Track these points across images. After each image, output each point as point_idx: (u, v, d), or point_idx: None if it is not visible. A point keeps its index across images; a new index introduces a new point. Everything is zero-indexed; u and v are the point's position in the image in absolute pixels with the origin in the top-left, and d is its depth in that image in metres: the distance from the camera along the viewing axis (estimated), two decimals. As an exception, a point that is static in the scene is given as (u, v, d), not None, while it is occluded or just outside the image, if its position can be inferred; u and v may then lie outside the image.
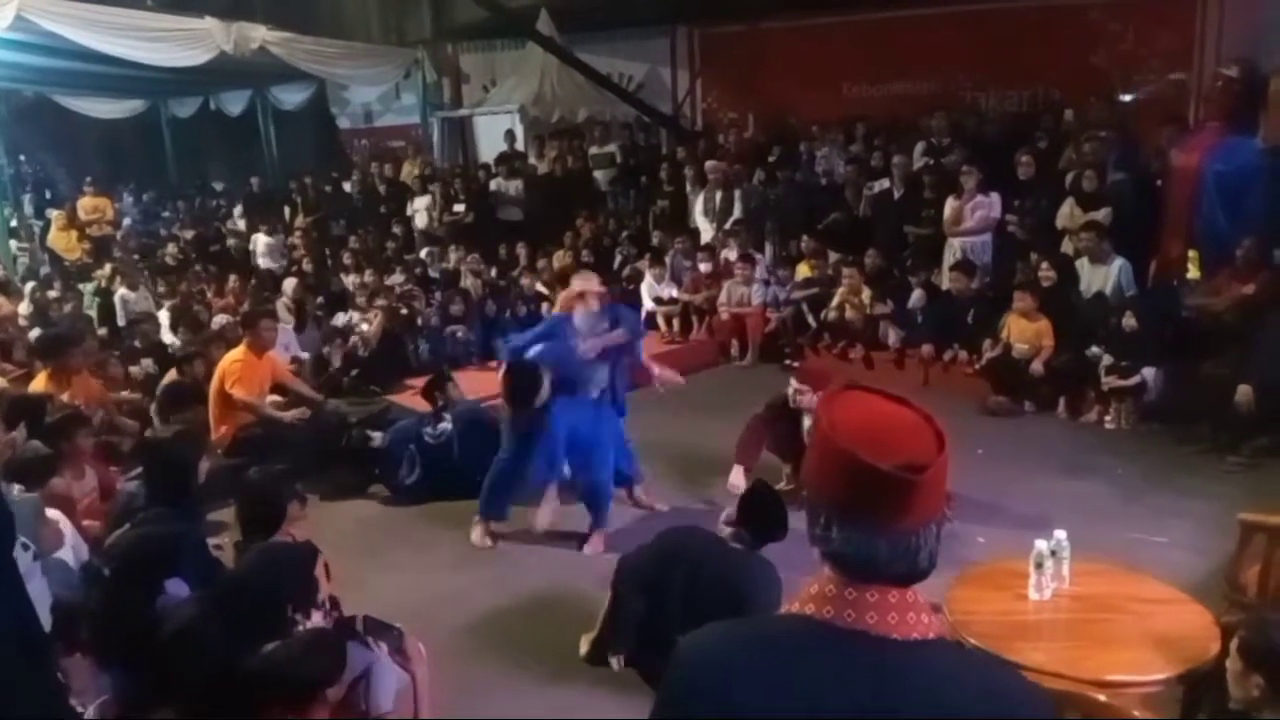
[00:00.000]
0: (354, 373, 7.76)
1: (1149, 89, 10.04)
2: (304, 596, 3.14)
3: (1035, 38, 10.41)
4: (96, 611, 3.45)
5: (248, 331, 6.47)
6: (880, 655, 1.16)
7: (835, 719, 1.14)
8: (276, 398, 6.58)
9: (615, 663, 3.86)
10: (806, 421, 5.09)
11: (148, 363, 7.55)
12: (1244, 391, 5.86)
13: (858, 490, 1.17)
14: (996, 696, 1.18)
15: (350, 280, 10.10)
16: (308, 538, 3.63)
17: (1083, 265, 7.56)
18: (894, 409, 1.25)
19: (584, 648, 4.03)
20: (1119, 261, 7.37)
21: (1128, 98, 10.00)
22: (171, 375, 6.91)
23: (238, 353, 6.30)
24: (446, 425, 5.94)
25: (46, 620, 3.11)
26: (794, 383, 5.28)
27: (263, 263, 11.88)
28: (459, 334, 8.66)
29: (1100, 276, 7.40)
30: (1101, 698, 2.69)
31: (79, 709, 3.13)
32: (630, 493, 5.58)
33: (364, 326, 8.32)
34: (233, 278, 10.18)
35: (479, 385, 7.27)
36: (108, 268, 10.91)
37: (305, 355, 7.90)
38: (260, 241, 12.14)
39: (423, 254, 11.31)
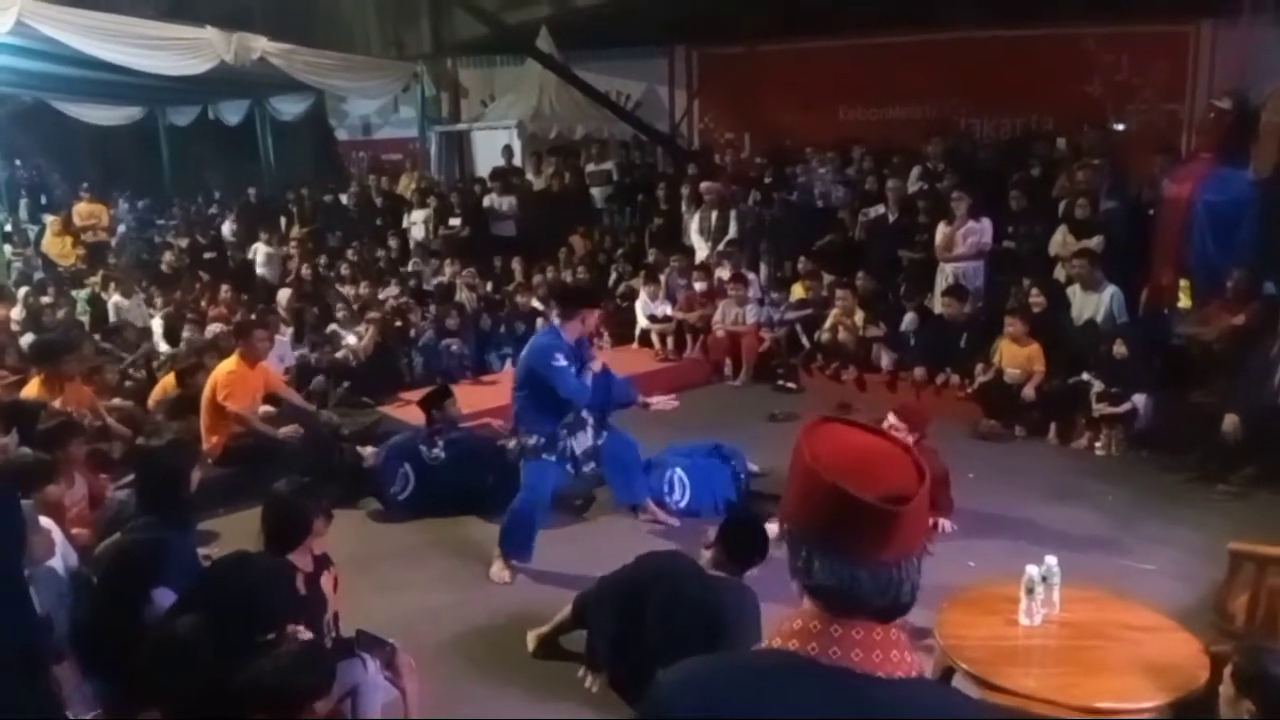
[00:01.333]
0: (345, 384, 7.76)
1: (1142, 119, 10.14)
2: (284, 607, 3.12)
3: (1030, 66, 10.51)
4: (83, 620, 3.43)
5: (241, 342, 6.44)
6: (865, 693, 1.16)
7: None
8: (269, 408, 6.57)
9: (590, 681, 3.85)
10: None
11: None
12: (1230, 421, 5.90)
13: (840, 522, 1.17)
14: None
15: (347, 291, 10.10)
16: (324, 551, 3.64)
17: (1074, 292, 7.61)
18: (874, 441, 1.25)
19: (531, 644, 4.10)
20: (1111, 289, 7.42)
21: (1121, 127, 10.11)
22: (168, 383, 6.91)
23: (230, 363, 6.27)
24: (440, 453, 5.93)
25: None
26: (891, 419, 4.95)
27: (261, 272, 11.88)
28: (453, 348, 8.66)
29: (1092, 304, 7.45)
30: (1091, 725, 2.70)
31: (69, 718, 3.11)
32: (644, 508, 5.62)
33: (350, 339, 8.32)
34: (224, 287, 10.18)
35: (473, 399, 7.28)
36: (101, 274, 10.89)
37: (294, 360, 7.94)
38: (260, 251, 12.14)
39: (416, 266, 11.32)
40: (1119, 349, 6.77)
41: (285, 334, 8.44)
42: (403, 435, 6.25)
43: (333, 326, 8.71)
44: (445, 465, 5.90)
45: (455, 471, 5.89)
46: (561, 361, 4.83)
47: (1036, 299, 7.50)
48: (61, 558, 3.59)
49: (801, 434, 1.26)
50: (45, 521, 3.53)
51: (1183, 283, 7.42)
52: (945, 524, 5.16)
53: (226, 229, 13.90)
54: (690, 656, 1.29)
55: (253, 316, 8.26)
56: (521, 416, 5.06)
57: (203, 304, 10.01)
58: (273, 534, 3.46)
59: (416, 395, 7.73)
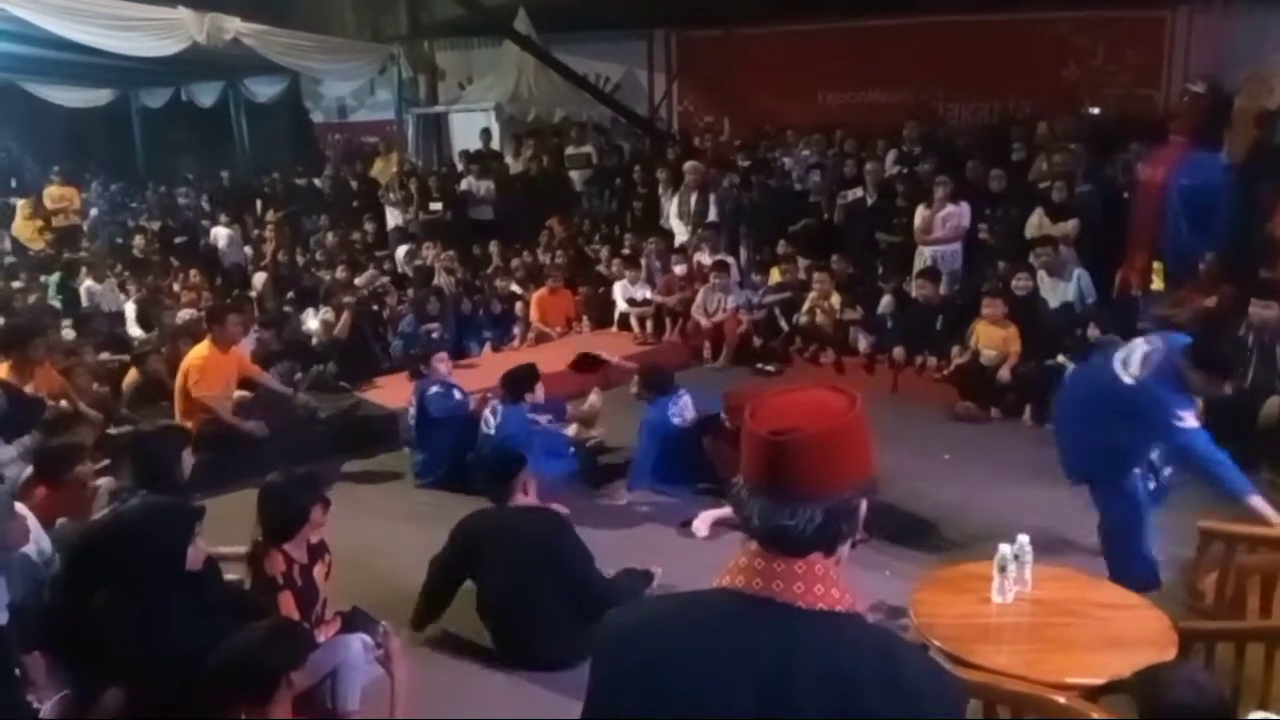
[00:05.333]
0: (321, 368, 7.70)
1: (1118, 103, 10.21)
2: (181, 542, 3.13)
3: (1008, 51, 10.56)
4: (51, 604, 3.41)
5: (213, 326, 6.37)
6: (784, 620, 1.24)
7: (734, 676, 1.23)
8: (245, 393, 6.52)
9: None
10: None
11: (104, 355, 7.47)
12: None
13: (749, 456, 1.30)
14: (895, 670, 1.23)
15: (325, 275, 10.03)
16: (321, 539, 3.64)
17: (1043, 278, 7.63)
18: (815, 394, 1.34)
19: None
20: (1077, 271, 7.50)
21: (1097, 111, 10.17)
22: (132, 374, 6.85)
23: (202, 348, 6.19)
24: (497, 421, 5.86)
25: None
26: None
27: (225, 255, 11.74)
28: (434, 332, 8.61)
29: (1061, 288, 7.53)
30: (1061, 699, 2.74)
31: (35, 704, 3.09)
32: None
33: (314, 325, 8.25)
34: (193, 271, 10.06)
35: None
36: (65, 259, 10.72)
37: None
38: (221, 235, 11.99)
39: (399, 252, 11.23)
40: (1093, 332, 6.84)
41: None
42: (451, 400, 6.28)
43: (307, 312, 8.66)
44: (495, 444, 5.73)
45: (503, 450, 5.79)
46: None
47: (1025, 283, 7.47)
48: (35, 542, 3.57)
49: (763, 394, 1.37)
50: (20, 508, 3.50)
51: (1156, 265, 7.50)
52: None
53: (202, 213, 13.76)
54: None
55: (227, 301, 8.18)
56: None
57: (175, 288, 9.90)
58: (269, 525, 3.44)
59: (391, 380, 7.68)
